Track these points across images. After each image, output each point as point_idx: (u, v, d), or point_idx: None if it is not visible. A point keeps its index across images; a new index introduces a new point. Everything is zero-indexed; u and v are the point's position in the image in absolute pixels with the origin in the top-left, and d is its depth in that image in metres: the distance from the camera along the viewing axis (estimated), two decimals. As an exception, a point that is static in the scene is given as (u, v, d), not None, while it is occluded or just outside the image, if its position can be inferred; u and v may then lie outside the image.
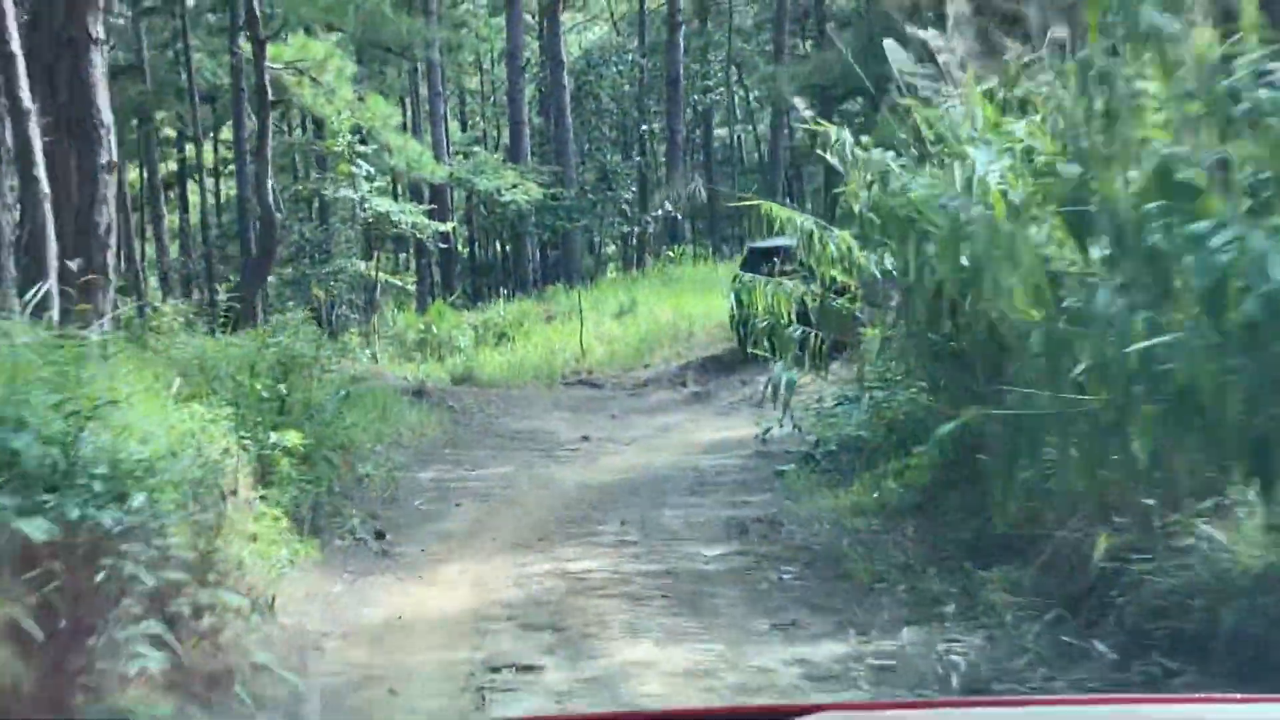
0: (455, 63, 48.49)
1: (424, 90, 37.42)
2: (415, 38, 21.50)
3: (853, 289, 10.09)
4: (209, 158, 41.73)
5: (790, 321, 10.19)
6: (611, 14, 52.39)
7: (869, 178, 9.26)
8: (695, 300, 25.72)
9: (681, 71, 33.53)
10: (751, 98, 53.15)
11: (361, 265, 24.55)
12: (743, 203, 12.47)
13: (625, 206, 26.89)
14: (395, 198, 26.37)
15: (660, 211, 28.34)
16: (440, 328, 24.32)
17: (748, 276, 10.49)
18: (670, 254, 28.73)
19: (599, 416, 17.46)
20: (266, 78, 18.28)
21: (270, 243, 19.86)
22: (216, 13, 32.64)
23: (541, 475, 12.96)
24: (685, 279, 27.84)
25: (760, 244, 23.30)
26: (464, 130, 55.98)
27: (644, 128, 41.62)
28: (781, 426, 13.58)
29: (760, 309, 10.14)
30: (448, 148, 33.44)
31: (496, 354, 23.23)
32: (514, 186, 27.25)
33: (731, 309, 20.22)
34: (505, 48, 33.30)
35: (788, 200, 46.33)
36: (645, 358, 22.50)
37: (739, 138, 55.76)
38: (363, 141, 22.46)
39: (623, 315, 24.23)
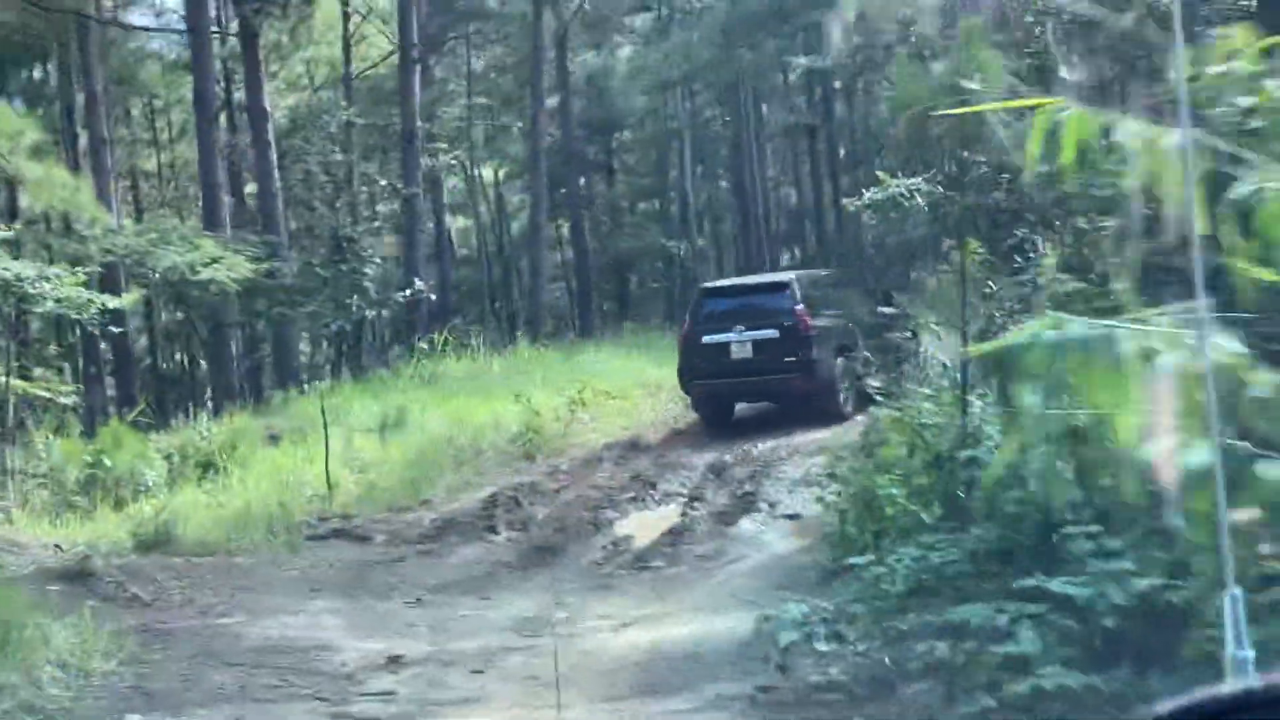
0: (129, 141, 40.78)
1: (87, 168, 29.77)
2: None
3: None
4: None
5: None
6: (311, 79, 45.46)
7: None
8: (475, 406, 19.04)
9: (418, 121, 26.93)
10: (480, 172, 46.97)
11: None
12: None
13: (368, 284, 20.11)
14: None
15: (410, 292, 21.62)
16: (117, 459, 16.83)
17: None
18: (426, 345, 21.95)
19: (393, 603, 10.59)
20: None
21: None
22: None
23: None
24: (450, 378, 21.11)
25: (725, 282, 20.44)
26: (139, 221, 47.77)
27: (365, 189, 34.83)
28: (807, 632, 7.13)
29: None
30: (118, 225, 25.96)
31: (203, 494, 15.93)
32: (214, 262, 20.08)
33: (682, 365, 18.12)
34: (194, 92, 25.99)
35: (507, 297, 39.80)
36: (423, 489, 15.67)
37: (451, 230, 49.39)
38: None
39: (386, 429, 17.30)
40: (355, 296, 20.25)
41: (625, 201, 48.27)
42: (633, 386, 20.83)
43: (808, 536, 12.07)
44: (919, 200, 16.23)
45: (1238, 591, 2.55)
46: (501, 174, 48.27)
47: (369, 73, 42.41)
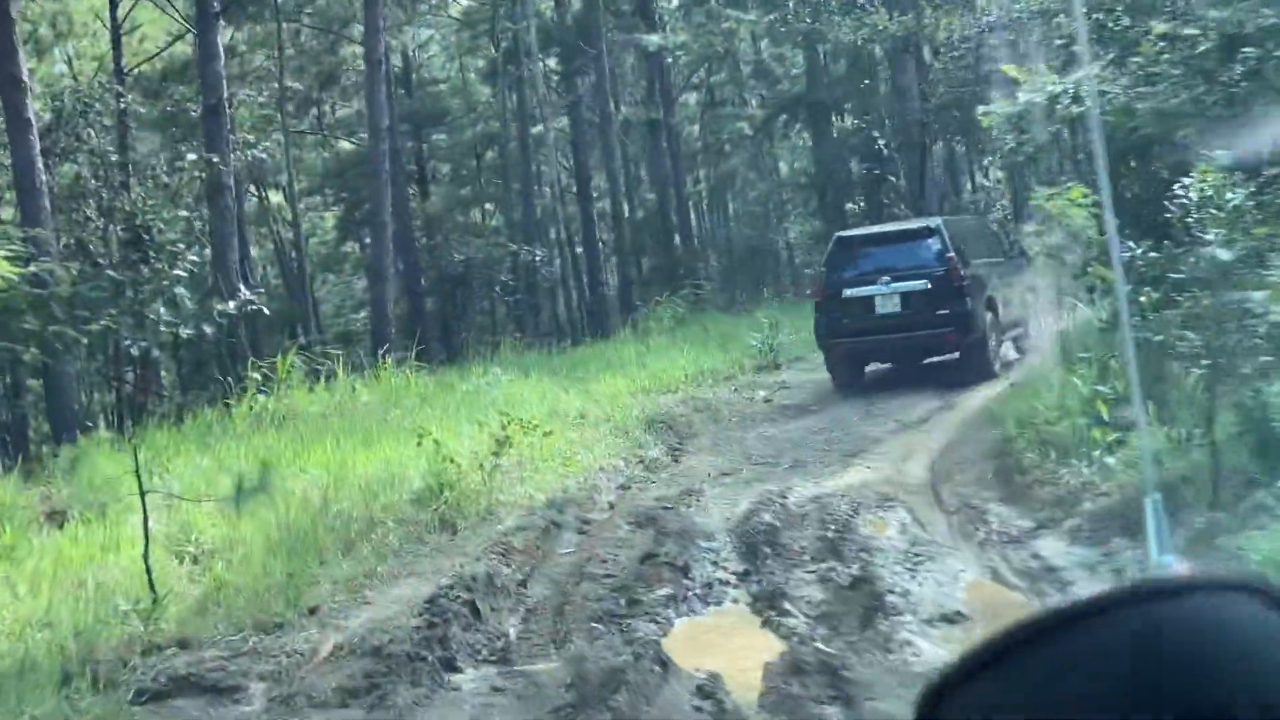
0: None
1: None
2: None
3: None
4: None
5: None
6: (76, 79, 38.62)
7: None
8: (354, 453, 13.42)
9: (225, 89, 21.00)
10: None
11: None
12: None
13: (181, 291, 14.25)
14: None
15: (235, 304, 15.81)
16: None
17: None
18: (260, 375, 16.06)
19: None
20: None
21: None
22: None
23: None
24: (306, 417, 15.32)
25: (865, 231, 19.01)
26: None
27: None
28: None
29: None
30: None
31: (-55, 615, 9.96)
32: (-46, 265, 13.96)
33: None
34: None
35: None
36: (303, 589, 10.03)
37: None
38: None
39: (244, 496, 11.45)
40: (164, 309, 14.37)
41: (473, 211, 42.75)
42: (548, 417, 15.40)
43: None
44: (1087, 102, 11.38)
45: (1158, 496, 2.11)
46: (298, 186, 42.06)
47: (144, 68, 36.04)
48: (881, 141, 32.22)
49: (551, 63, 37.52)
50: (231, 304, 16.15)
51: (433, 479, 12.23)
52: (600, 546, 10.71)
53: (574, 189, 37.37)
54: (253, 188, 39.07)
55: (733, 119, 45.19)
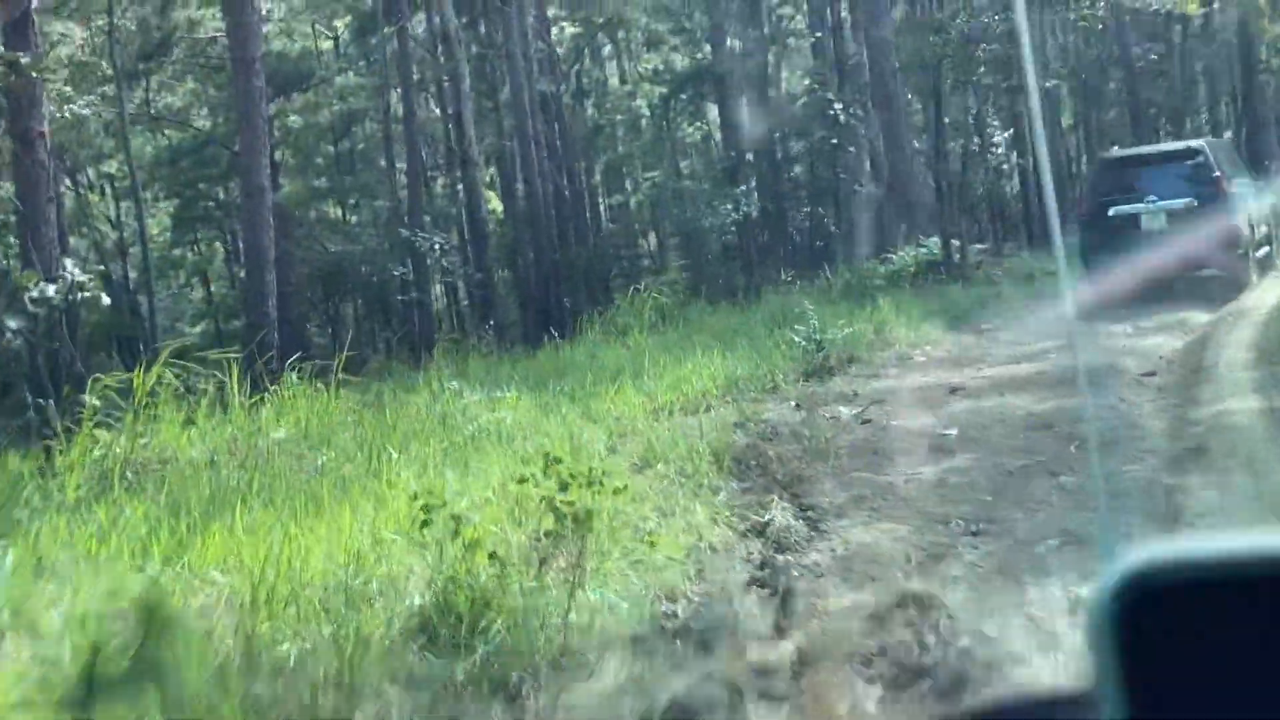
0: None
1: None
2: None
3: None
4: None
5: None
6: None
7: None
8: (294, 534, 7.44)
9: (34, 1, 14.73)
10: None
11: None
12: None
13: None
14: None
15: (56, 289, 9.73)
16: None
17: None
18: (99, 399, 9.81)
19: None
20: None
21: None
22: None
23: None
24: (191, 469, 9.24)
25: (1130, 151, 20.27)
26: None
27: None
28: None
29: None
30: None
31: None
32: None
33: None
34: None
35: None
36: None
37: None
38: None
39: (100, 687, 5.42)
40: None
41: (329, 205, 36.69)
42: (568, 455, 9.56)
43: None
44: None
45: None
46: (124, 180, 35.46)
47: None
48: (838, 105, 27.12)
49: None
50: (52, 288, 10.07)
51: (458, 591, 6.44)
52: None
53: (451, 168, 31.60)
54: (67, 180, 32.52)
55: (627, 98, 40.01)
